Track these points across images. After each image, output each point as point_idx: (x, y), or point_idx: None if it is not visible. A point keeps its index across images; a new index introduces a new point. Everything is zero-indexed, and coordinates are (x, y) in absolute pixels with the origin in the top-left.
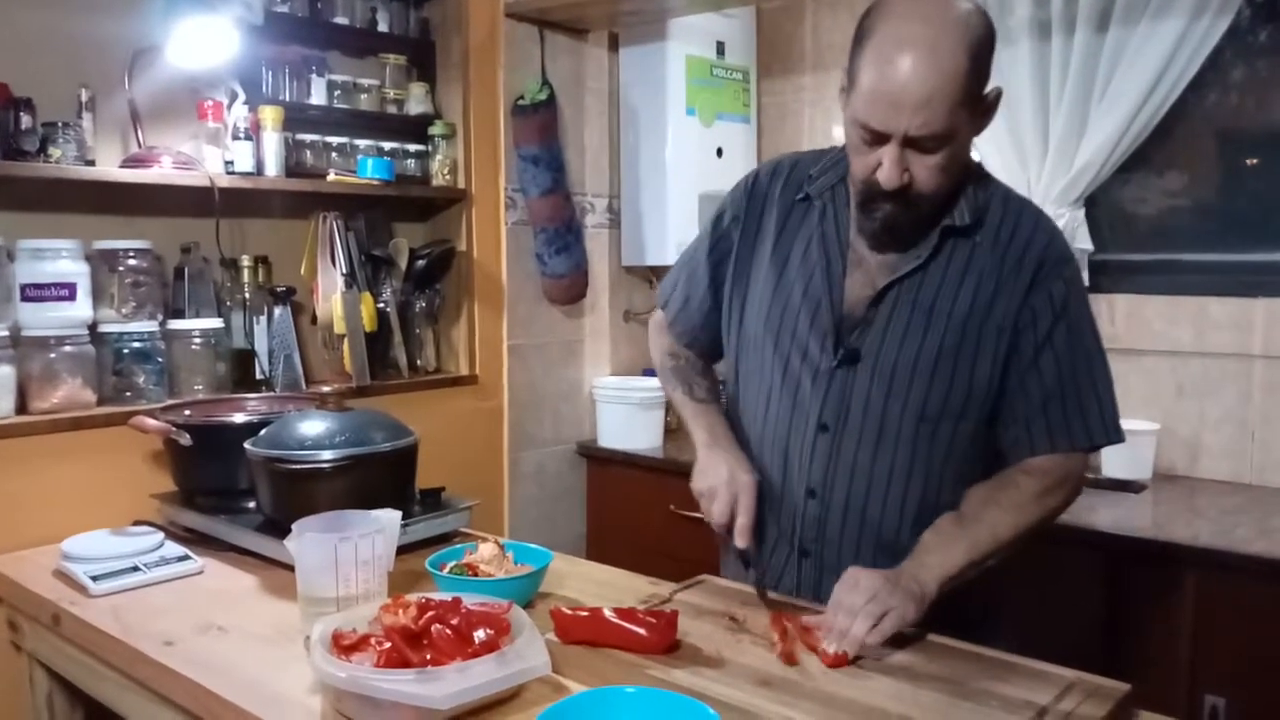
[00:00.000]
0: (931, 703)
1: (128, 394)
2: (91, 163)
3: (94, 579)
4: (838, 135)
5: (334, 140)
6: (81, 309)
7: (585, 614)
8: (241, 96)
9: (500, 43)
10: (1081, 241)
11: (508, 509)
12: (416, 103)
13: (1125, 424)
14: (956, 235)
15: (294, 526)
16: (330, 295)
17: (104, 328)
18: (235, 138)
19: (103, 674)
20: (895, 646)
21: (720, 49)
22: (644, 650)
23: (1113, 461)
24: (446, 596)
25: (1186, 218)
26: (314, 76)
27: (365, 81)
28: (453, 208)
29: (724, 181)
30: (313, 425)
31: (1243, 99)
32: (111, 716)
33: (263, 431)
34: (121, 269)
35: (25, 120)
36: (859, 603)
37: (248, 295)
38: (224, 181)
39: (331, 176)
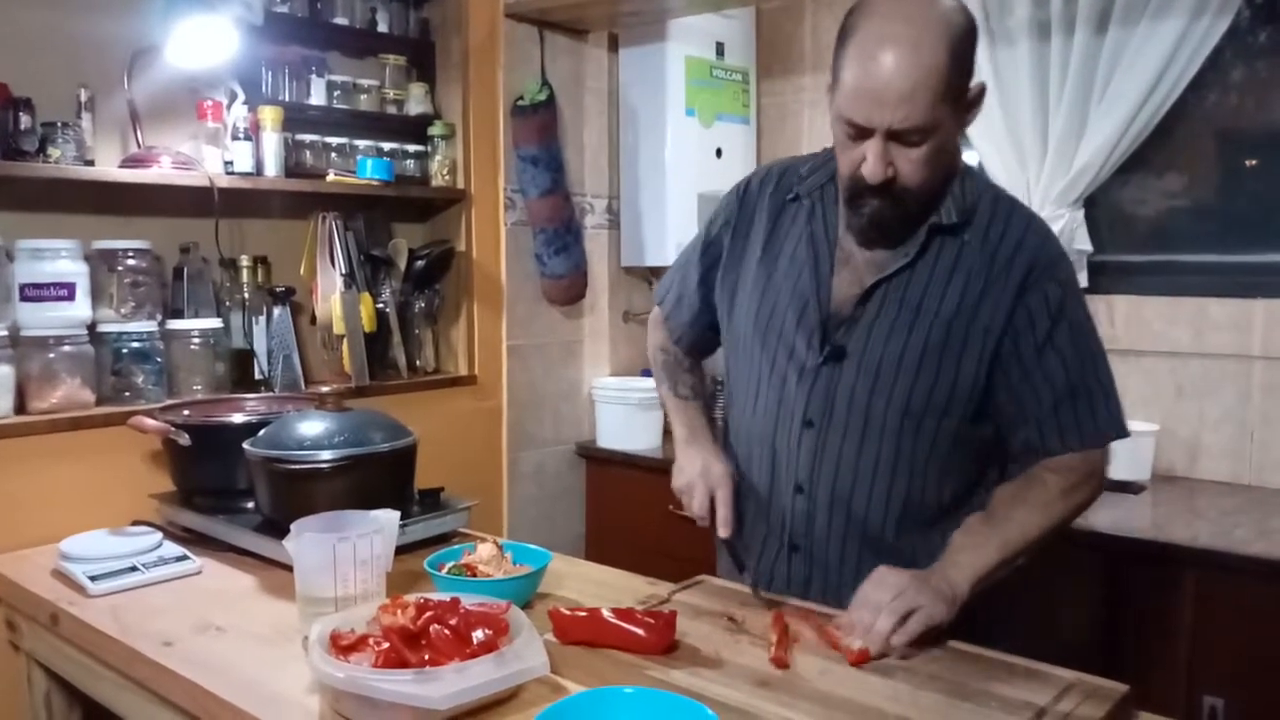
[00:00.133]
0: (930, 703)
1: (127, 394)
2: (91, 163)
3: (92, 579)
4: None
5: (333, 140)
6: (80, 309)
7: (584, 614)
8: (241, 97)
9: (500, 43)
10: (1081, 242)
11: (506, 509)
12: (416, 103)
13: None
14: (944, 234)
15: (292, 527)
16: (329, 295)
17: (103, 328)
18: (235, 138)
19: (101, 674)
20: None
21: (720, 50)
22: (642, 651)
23: (1112, 462)
24: (445, 597)
25: (1186, 218)
26: (313, 77)
27: (365, 82)
28: (452, 208)
29: (723, 182)
30: (312, 425)
31: (1242, 100)
32: (110, 716)
33: (261, 432)
34: (120, 269)
35: (24, 120)
36: (885, 599)
37: (247, 295)
38: (223, 182)
39: (331, 177)
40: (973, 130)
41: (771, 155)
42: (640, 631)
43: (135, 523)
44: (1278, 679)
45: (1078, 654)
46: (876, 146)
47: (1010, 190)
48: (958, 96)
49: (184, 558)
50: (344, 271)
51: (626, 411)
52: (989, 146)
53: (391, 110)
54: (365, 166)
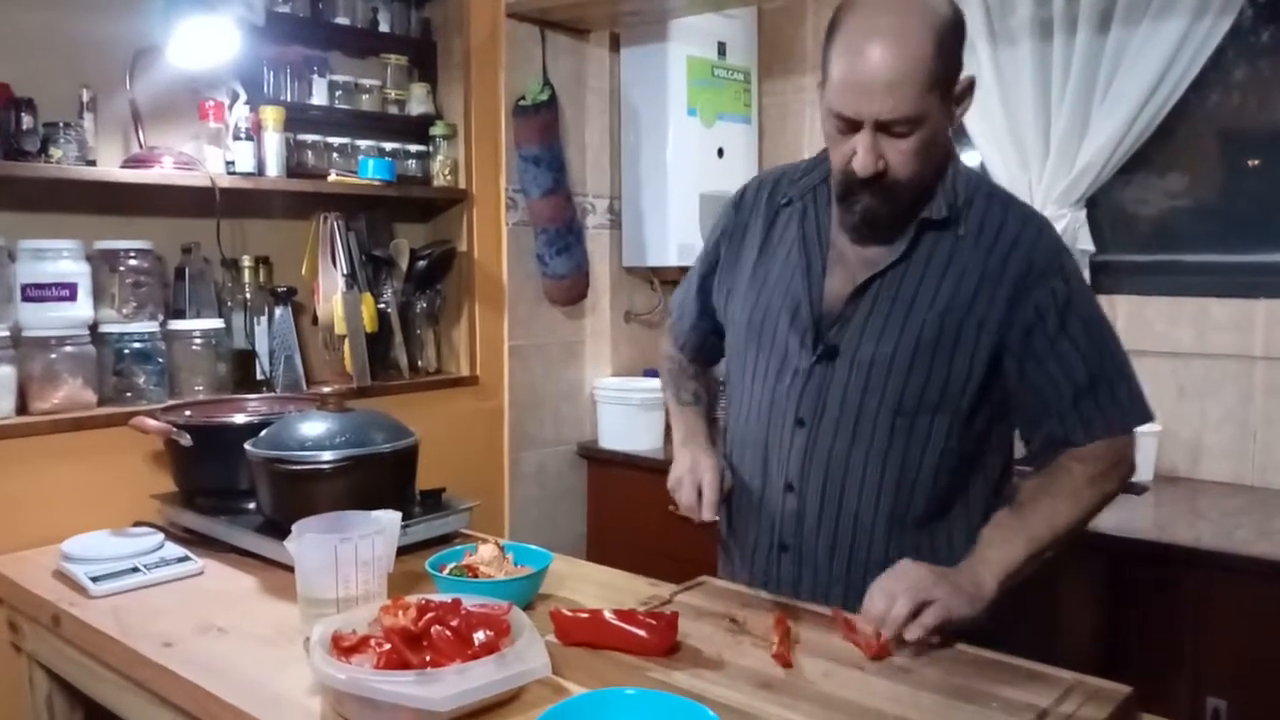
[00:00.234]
0: (931, 705)
1: (128, 394)
2: (92, 163)
3: (94, 580)
4: None
5: (335, 141)
6: (82, 309)
7: (585, 615)
8: (243, 97)
9: (501, 43)
10: (1083, 242)
11: (508, 510)
12: (418, 103)
13: None
14: (935, 229)
15: (294, 527)
16: (331, 296)
17: (105, 328)
18: (236, 138)
19: (102, 675)
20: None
21: (721, 49)
22: (644, 652)
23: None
24: (446, 598)
25: (1188, 218)
26: (315, 77)
27: (366, 82)
28: (454, 208)
29: (725, 182)
30: (313, 426)
31: (1244, 99)
32: (111, 718)
33: (263, 432)
34: (122, 269)
35: (26, 120)
36: (898, 588)
37: (248, 296)
38: (225, 182)
39: (332, 177)
40: (974, 131)
41: (773, 154)
42: (642, 633)
43: (137, 523)
44: None
45: (1080, 655)
46: (866, 139)
47: (1012, 190)
48: (945, 88)
49: (185, 559)
50: (345, 272)
51: (628, 412)
52: (991, 147)
53: (393, 110)
54: (367, 166)
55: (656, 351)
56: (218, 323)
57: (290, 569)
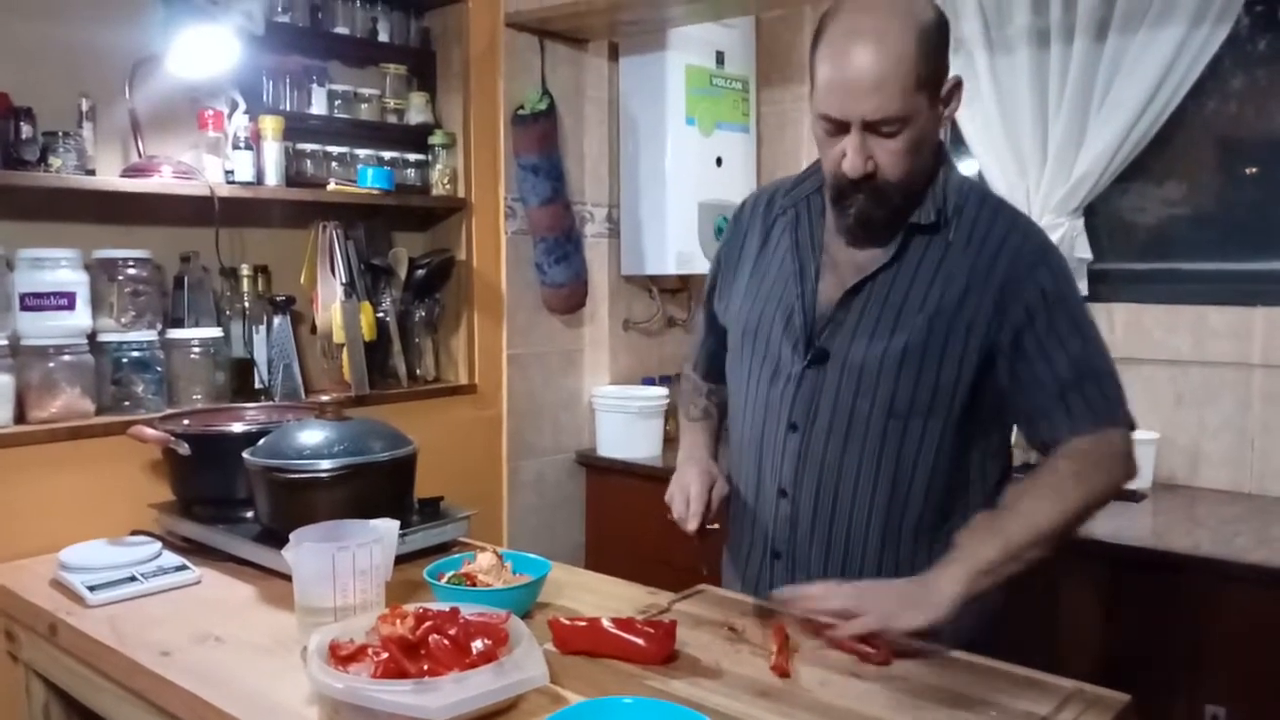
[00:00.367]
0: (931, 713)
1: (126, 403)
2: (92, 172)
3: (91, 589)
4: None
5: (334, 150)
6: (81, 318)
7: (584, 624)
8: (242, 106)
9: (500, 52)
10: (1080, 251)
11: (506, 518)
12: (417, 112)
13: None
14: (924, 233)
15: (292, 536)
16: (330, 304)
17: (103, 337)
18: (235, 147)
19: (99, 684)
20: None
21: (720, 58)
22: (642, 660)
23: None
24: (444, 607)
25: (1185, 226)
26: (314, 86)
27: (365, 91)
28: (452, 217)
29: (723, 191)
30: (311, 435)
31: (1242, 107)
32: None
33: (261, 441)
34: (121, 278)
35: (25, 130)
36: (844, 589)
37: (247, 304)
38: (224, 191)
39: (331, 186)
40: (972, 139)
41: (772, 163)
42: (640, 641)
43: (134, 532)
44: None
45: (1078, 663)
46: (854, 140)
47: (1010, 199)
48: (932, 88)
49: (183, 567)
50: (344, 280)
51: (626, 420)
52: (989, 155)
53: (392, 119)
54: (366, 175)
55: (655, 360)
56: (216, 331)
57: (288, 578)
